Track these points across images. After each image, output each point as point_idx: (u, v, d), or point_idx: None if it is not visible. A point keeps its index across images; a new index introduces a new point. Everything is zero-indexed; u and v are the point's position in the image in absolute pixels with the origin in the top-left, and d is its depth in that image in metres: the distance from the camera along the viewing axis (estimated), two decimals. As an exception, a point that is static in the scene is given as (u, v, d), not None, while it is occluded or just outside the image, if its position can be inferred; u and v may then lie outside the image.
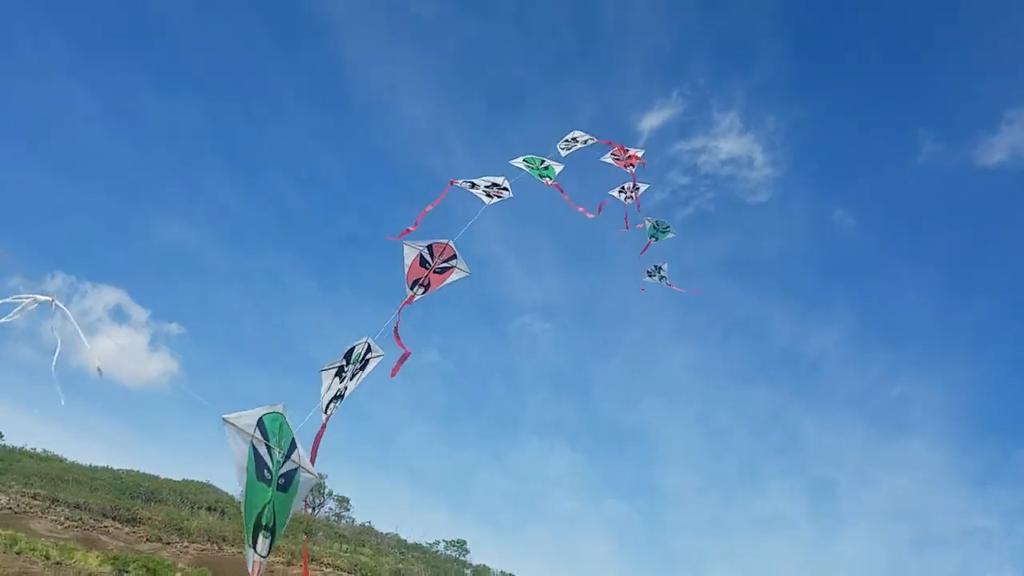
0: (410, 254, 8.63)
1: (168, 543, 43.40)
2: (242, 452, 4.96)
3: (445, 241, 8.95)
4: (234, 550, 46.45)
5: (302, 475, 5.62)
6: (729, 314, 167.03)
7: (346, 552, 57.50)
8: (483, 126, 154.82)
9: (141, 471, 55.80)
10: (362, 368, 7.25)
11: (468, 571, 65.27)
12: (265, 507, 5.13)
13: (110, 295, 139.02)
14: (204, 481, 59.58)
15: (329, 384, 7.11)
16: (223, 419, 4.84)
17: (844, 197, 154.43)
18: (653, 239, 14.21)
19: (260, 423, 5.10)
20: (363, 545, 59.98)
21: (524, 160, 12.19)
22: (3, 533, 35.98)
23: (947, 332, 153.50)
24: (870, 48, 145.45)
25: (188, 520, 47.29)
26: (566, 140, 13.08)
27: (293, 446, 5.49)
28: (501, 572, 66.65)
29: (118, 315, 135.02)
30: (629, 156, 13.50)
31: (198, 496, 54.08)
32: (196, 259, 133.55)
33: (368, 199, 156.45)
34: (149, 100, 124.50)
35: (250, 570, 5.07)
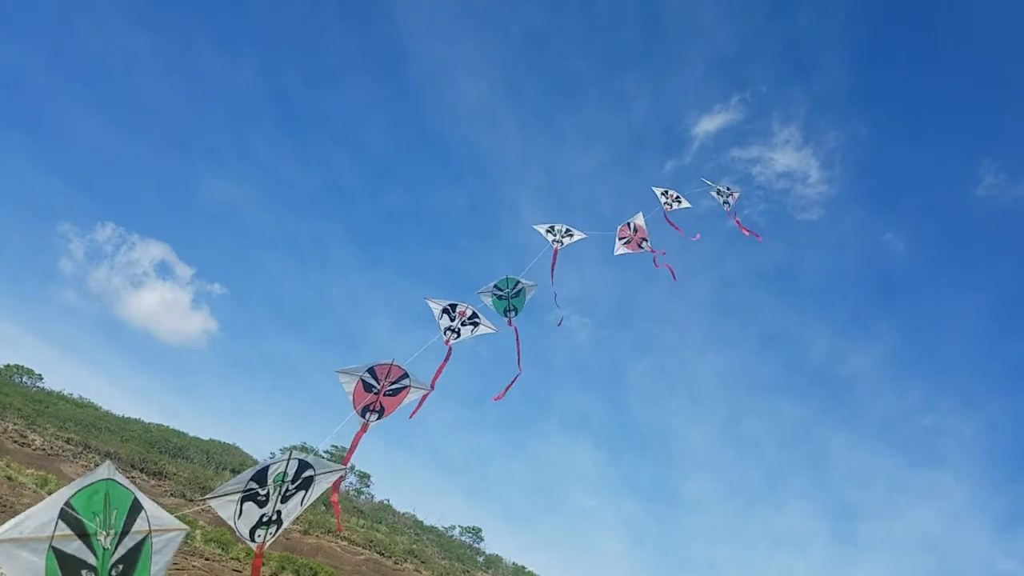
0: (348, 382, 8.10)
1: (191, 500, 44.17)
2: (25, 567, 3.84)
3: (388, 362, 8.36)
4: (254, 513, 47.17)
5: (154, 539, 4.67)
6: (766, 325, 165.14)
7: (362, 527, 58.02)
8: (537, 113, 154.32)
9: (171, 427, 56.88)
10: (304, 488, 6.55)
11: (481, 559, 65.53)
12: None
13: (156, 250, 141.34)
14: (231, 443, 60.60)
15: (237, 511, 6.28)
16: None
17: (896, 220, 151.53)
18: (727, 205, 14.03)
19: (66, 512, 4.01)
20: (380, 522, 60.50)
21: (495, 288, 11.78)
22: (35, 473, 36.88)
23: (988, 366, 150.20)
24: (941, 67, 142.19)
25: (212, 480, 48.07)
26: (550, 230, 12.64)
27: (135, 513, 4.51)
28: (514, 564, 66.83)
29: (163, 271, 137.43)
30: (636, 232, 13.30)
31: (223, 457, 54.96)
32: (242, 219, 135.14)
33: (415, 175, 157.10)
34: (209, 56, 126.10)
35: None
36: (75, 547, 3.99)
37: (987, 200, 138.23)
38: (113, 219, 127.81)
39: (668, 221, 13.58)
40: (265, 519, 6.36)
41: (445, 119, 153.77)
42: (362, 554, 56.00)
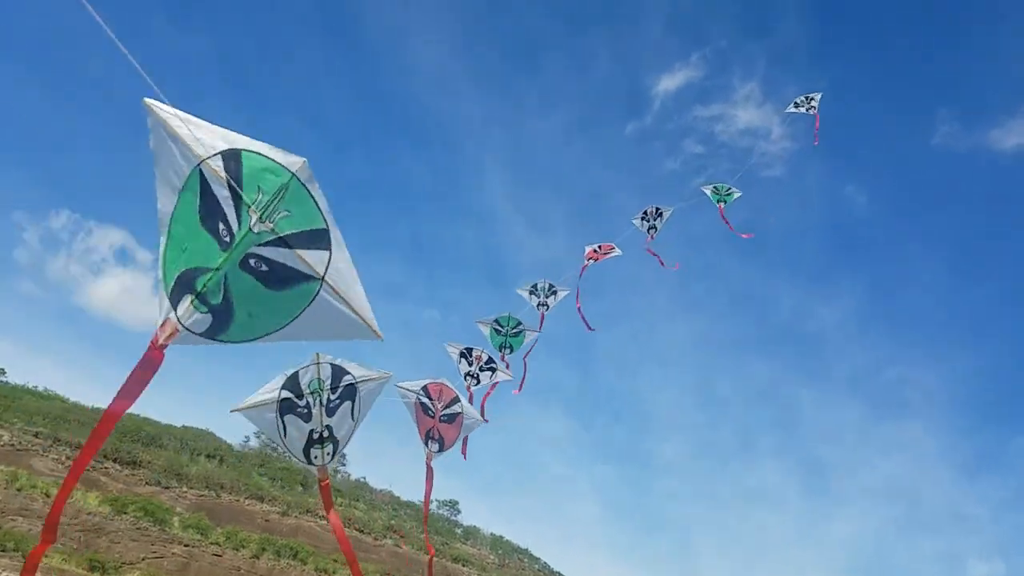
0: (407, 399, 7.90)
1: (167, 487, 44.02)
2: (173, 170, 3.58)
3: (440, 381, 8.11)
4: (231, 497, 47.10)
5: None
6: (733, 286, 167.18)
7: (340, 506, 58.22)
8: (497, 76, 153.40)
9: (142, 415, 56.41)
10: (349, 399, 6.17)
11: (459, 531, 66.13)
12: (208, 272, 3.69)
13: (115, 235, 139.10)
14: (204, 428, 60.32)
15: (279, 426, 5.99)
16: (146, 102, 3.42)
17: (857, 174, 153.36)
18: (722, 203, 13.75)
19: (234, 157, 3.60)
20: (357, 500, 60.77)
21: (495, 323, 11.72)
22: (5, 470, 36.52)
23: (952, 317, 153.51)
24: (895, 21, 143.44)
25: (187, 466, 47.94)
26: (534, 291, 12.56)
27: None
28: (492, 534, 67.55)
29: (122, 257, 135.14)
30: (601, 249, 13.17)
31: (198, 443, 54.75)
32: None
33: (374, 143, 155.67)
34: (161, 32, 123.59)
35: (158, 326, 3.72)
36: (223, 192, 3.56)
37: (943, 149, 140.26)
38: (68, 206, 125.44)
39: (651, 252, 13.43)
40: (316, 435, 5.98)
41: (403, 85, 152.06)
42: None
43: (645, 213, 12.92)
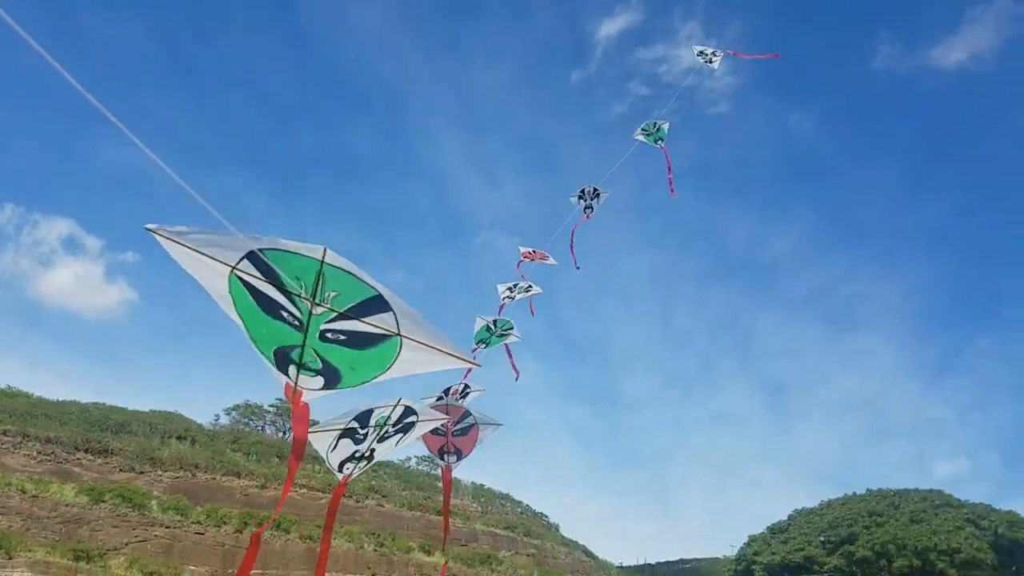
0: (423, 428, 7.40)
1: (141, 472, 44.09)
2: (212, 281, 3.80)
3: (441, 404, 7.82)
4: (207, 476, 47.30)
5: (409, 345, 4.13)
6: (688, 220, 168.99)
7: (319, 472, 58.73)
8: (436, 32, 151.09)
9: (108, 403, 56.07)
10: (403, 432, 6.27)
11: (439, 484, 67.19)
12: (297, 348, 4.04)
13: (61, 226, 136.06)
14: (172, 411, 60.14)
15: (332, 444, 6.16)
16: (148, 228, 3.51)
17: (802, 102, 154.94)
18: (661, 141, 13.48)
19: (257, 258, 3.74)
20: (334, 465, 61.25)
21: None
22: (-24, 470, 36.33)
23: (903, 231, 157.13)
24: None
25: (159, 449, 47.93)
26: (511, 290, 11.97)
27: (370, 306, 3.99)
28: (472, 483, 68.72)
29: (71, 246, 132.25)
30: (535, 253, 12.61)
31: (167, 426, 54.63)
32: (147, 183, 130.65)
33: (320, 114, 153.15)
34: (90, 19, 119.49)
35: (283, 391, 4.21)
36: (267, 288, 3.86)
37: (886, 71, 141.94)
38: (11, 200, 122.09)
39: (572, 252, 12.83)
40: (357, 455, 6.29)
41: (342, 51, 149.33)
42: (322, 498, 56.86)
43: (583, 192, 12.78)
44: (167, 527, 39.16)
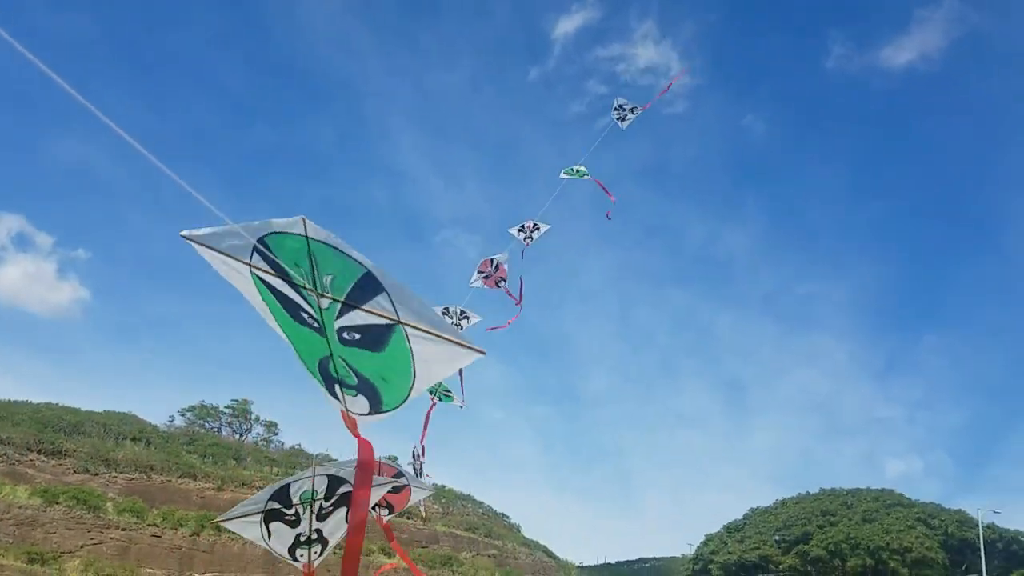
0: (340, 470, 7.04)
1: (96, 474, 43.41)
2: (245, 286, 3.48)
3: (378, 462, 7.36)
4: (162, 478, 46.72)
5: (414, 336, 3.54)
6: (646, 220, 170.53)
7: (277, 475, 58.28)
8: (394, 29, 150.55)
9: (61, 403, 55.08)
10: (343, 505, 5.82)
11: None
12: (328, 359, 3.66)
13: (10, 222, 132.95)
14: (127, 412, 59.23)
15: (263, 532, 5.75)
16: (182, 236, 3.25)
17: (754, 103, 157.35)
18: (587, 177, 13.70)
19: (262, 249, 3.33)
20: (294, 467, 60.87)
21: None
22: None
23: (853, 232, 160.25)
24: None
25: (114, 451, 47.21)
26: (447, 313, 11.88)
27: (365, 288, 3.46)
28: (434, 484, 68.59)
29: (21, 243, 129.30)
30: (497, 271, 12.51)
31: (121, 427, 53.80)
32: (97, 177, 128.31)
33: (276, 108, 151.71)
34: (36, 14, 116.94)
35: (343, 418, 3.84)
36: (283, 286, 3.46)
37: (837, 71, 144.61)
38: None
39: (507, 292, 12.76)
40: (303, 539, 5.85)
41: (299, 46, 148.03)
42: (281, 500, 56.42)
43: (523, 226, 12.83)
44: (123, 529, 38.63)
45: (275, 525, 5.86)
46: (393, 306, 3.49)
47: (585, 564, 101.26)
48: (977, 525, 71.33)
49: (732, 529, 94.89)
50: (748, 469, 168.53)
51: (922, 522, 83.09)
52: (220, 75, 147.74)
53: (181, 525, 41.59)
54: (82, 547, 36.42)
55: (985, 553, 68.51)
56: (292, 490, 5.77)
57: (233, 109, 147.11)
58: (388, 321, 3.52)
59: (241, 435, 75.55)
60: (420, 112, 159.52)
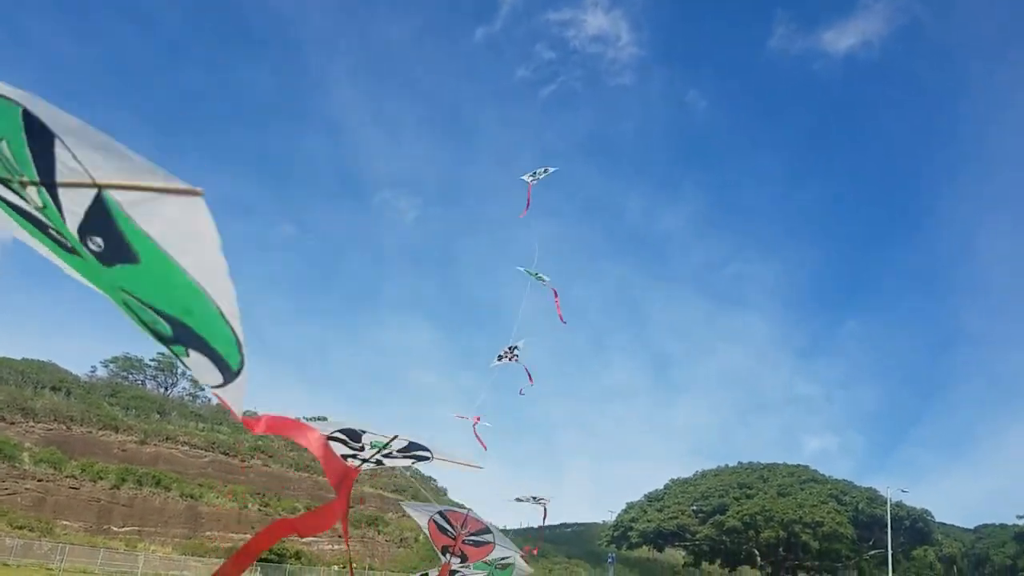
0: (419, 517, 6.90)
1: (12, 423, 42.19)
2: None
3: (463, 512, 7.10)
4: (83, 429, 45.67)
5: (130, 206, 1.74)
6: (585, 193, 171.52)
7: (203, 431, 57.48)
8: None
9: (-24, 350, 53.28)
10: (415, 460, 5.74)
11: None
12: (122, 295, 2.06)
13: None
14: (46, 360, 57.56)
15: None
16: None
17: (698, 79, 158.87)
18: (543, 281, 13.39)
19: None
20: (220, 424, 60.11)
21: None
22: None
23: (785, 214, 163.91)
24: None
25: (32, 400, 45.92)
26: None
27: (40, 142, 1.75)
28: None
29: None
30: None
31: (41, 375, 52.29)
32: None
33: (211, 50, 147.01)
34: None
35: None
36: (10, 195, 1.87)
37: (780, 52, 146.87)
38: None
39: (475, 433, 12.53)
40: (357, 458, 5.70)
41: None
42: (206, 456, 55.71)
43: (501, 355, 12.55)
44: (39, 480, 37.72)
45: (335, 444, 5.67)
46: (78, 162, 1.80)
47: (508, 528, 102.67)
48: (886, 502, 74.51)
49: (652, 498, 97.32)
50: (671, 441, 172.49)
51: (834, 498, 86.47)
52: (154, 9, 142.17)
53: (101, 478, 40.83)
54: (-5, 497, 35.53)
55: (892, 530, 71.72)
56: (365, 437, 5.48)
57: (165, 45, 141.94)
58: (88, 189, 1.84)
59: (166, 389, 74.16)
60: (362, 64, 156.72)
